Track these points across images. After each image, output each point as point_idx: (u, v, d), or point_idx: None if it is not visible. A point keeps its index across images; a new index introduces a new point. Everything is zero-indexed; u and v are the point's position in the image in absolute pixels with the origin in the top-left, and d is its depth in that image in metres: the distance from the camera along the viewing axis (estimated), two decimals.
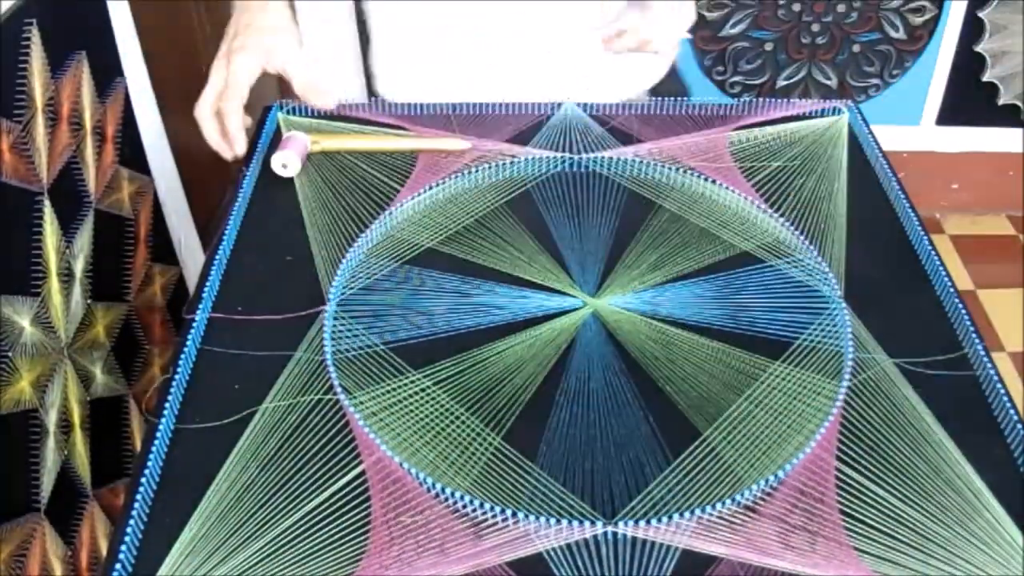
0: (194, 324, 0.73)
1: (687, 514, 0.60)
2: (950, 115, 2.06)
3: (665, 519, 0.60)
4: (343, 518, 0.60)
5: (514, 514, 0.59)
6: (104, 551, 1.01)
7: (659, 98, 0.98)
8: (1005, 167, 2.15)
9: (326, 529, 0.59)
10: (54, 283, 0.98)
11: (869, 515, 0.61)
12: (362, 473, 0.63)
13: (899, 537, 0.59)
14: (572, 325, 0.75)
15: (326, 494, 0.62)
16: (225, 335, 0.73)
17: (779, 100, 0.98)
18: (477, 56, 1.02)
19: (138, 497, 0.61)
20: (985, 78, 1.99)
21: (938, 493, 0.62)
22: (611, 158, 0.92)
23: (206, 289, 0.76)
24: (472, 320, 0.74)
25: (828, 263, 0.80)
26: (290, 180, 0.90)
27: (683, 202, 0.87)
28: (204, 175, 1.45)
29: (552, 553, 0.59)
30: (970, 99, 2.03)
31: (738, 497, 0.61)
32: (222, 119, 0.89)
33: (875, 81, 2.00)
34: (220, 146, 0.91)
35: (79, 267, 1.04)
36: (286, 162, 0.89)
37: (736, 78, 1.99)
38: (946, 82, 2.01)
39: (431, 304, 0.76)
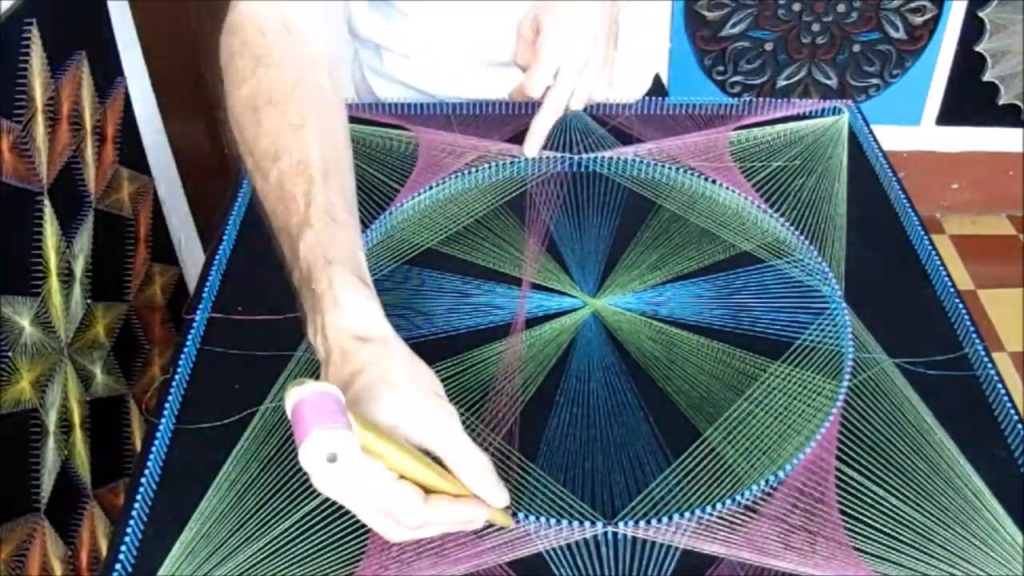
0: (194, 324, 0.73)
1: (687, 514, 0.60)
2: (950, 115, 2.06)
3: (665, 519, 0.60)
4: (343, 518, 0.60)
5: (514, 514, 0.59)
6: (104, 551, 1.01)
7: (659, 98, 0.98)
8: (1005, 167, 2.15)
9: (326, 529, 0.59)
10: (54, 283, 0.98)
11: (869, 515, 0.61)
12: None
13: (899, 537, 0.59)
14: (572, 325, 0.75)
15: None
16: (225, 335, 0.73)
17: (779, 100, 0.98)
18: (462, 58, 1.01)
19: (138, 497, 0.61)
20: (985, 78, 1.99)
21: (938, 493, 0.62)
22: (611, 158, 0.92)
23: (206, 289, 0.76)
24: (472, 320, 0.74)
25: (828, 263, 0.80)
26: None
27: (683, 202, 0.87)
28: (204, 175, 1.45)
29: (552, 553, 0.59)
30: (970, 99, 2.03)
31: (738, 497, 0.61)
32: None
33: (875, 81, 1.99)
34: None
35: (79, 267, 1.04)
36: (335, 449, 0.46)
37: (736, 78, 1.99)
38: (946, 82, 2.01)
39: (431, 304, 0.76)
